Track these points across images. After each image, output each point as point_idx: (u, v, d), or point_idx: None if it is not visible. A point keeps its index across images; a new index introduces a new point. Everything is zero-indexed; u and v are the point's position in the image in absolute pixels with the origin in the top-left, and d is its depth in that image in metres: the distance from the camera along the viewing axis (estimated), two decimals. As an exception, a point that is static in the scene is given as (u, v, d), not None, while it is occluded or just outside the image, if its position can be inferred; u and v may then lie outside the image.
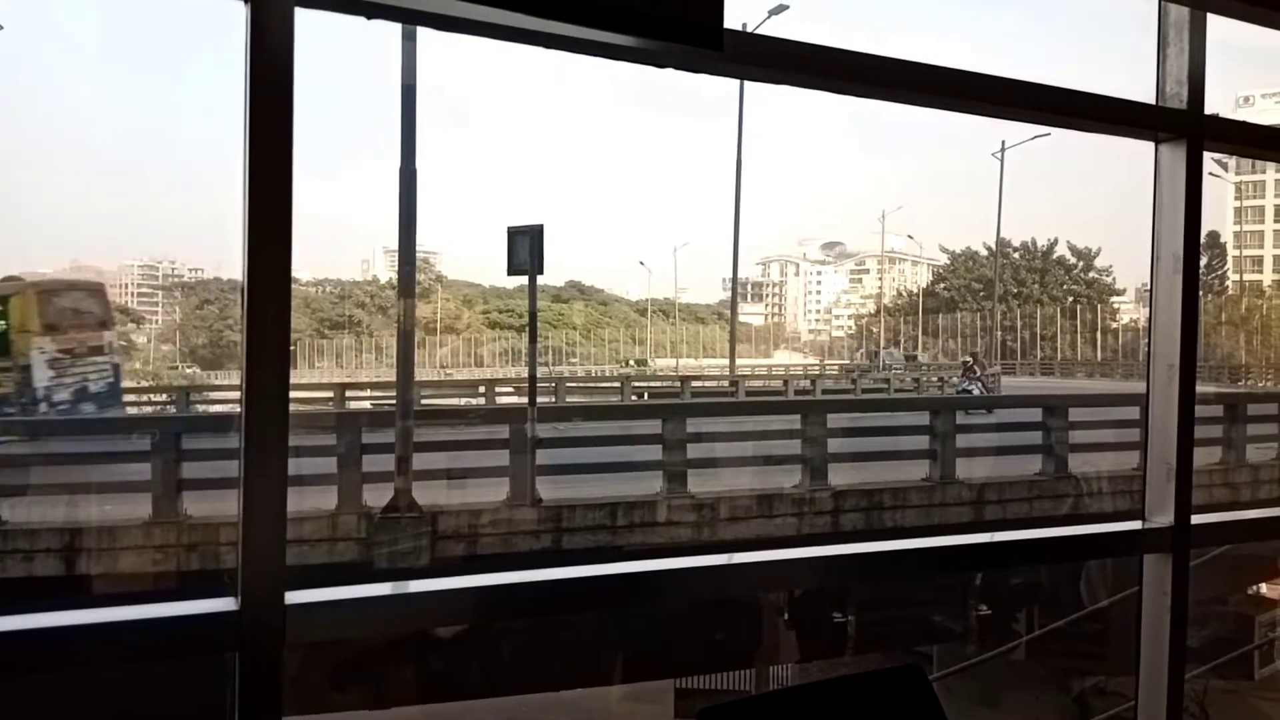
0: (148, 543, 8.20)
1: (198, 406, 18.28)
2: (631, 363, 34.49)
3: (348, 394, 17.65)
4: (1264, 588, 11.33)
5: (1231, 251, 40.47)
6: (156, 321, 35.34)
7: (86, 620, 1.43)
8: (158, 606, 1.48)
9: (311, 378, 30.39)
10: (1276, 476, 12.85)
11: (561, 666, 8.60)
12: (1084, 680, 8.51)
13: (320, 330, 35.80)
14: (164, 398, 21.52)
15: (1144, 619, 2.36)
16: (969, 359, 24.25)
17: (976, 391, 20.84)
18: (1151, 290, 2.44)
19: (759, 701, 1.55)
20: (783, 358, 40.72)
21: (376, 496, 8.86)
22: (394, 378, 11.29)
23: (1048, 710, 8.55)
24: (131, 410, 17.73)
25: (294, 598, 1.46)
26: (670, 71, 1.79)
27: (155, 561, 8.09)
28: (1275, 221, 41.45)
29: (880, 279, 46.17)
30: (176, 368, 30.84)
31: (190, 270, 35.65)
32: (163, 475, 8.58)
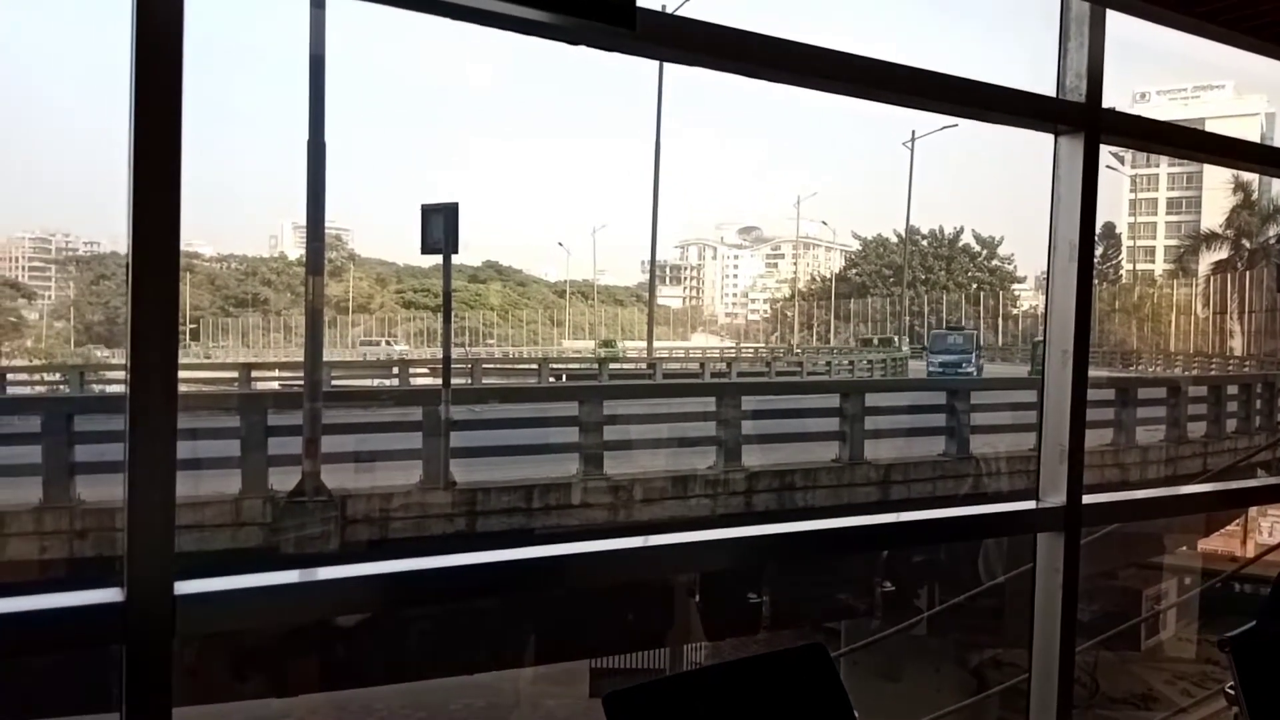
0: (38, 529, 7.81)
1: (94, 387, 17.46)
2: (599, 347, 34.14)
3: (254, 374, 17.09)
4: (1149, 563, 11.95)
5: (1126, 242, 42.44)
6: (50, 297, 33.60)
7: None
8: (38, 598, 1.41)
9: (216, 357, 29.38)
10: (1164, 457, 13.56)
11: (473, 650, 8.54)
12: (981, 653, 8.86)
13: (225, 308, 34.56)
14: (57, 377, 20.51)
15: (1037, 594, 2.46)
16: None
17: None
18: (1048, 278, 2.53)
19: (665, 684, 1.56)
20: (700, 340, 41.09)
21: (283, 480, 8.62)
22: (303, 358, 10.97)
23: (947, 682, 8.87)
24: (22, 390, 16.85)
25: (184, 588, 1.40)
26: (591, 50, 1.77)
27: (45, 549, 7.72)
28: (1167, 214, 43.57)
29: (795, 264, 46.94)
30: (72, 345, 29.44)
31: (86, 244, 33.97)
32: (53, 458, 8.17)
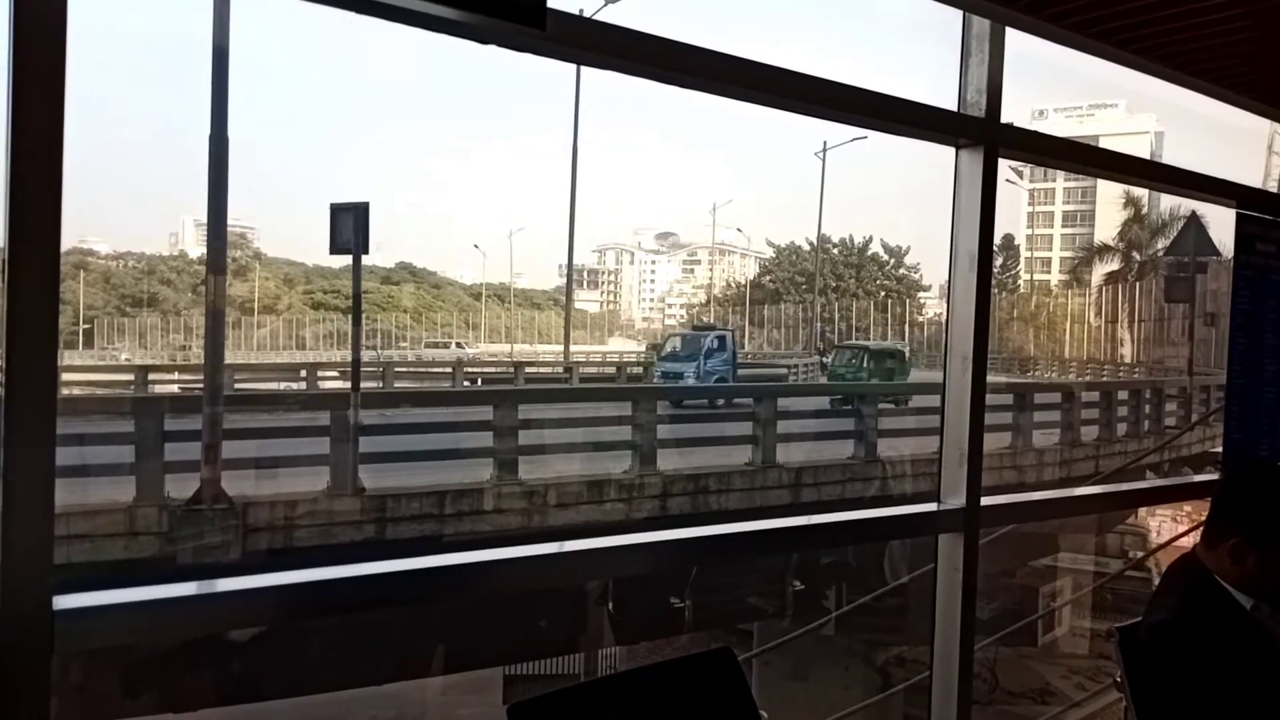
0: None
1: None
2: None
3: (150, 377, 16.41)
4: (1045, 562, 12.45)
5: (1024, 253, 44.25)
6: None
7: None
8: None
9: (112, 359, 28.10)
10: (1058, 460, 14.16)
11: (380, 660, 8.35)
12: (887, 651, 9.09)
13: (121, 308, 33.11)
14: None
15: (938, 593, 2.53)
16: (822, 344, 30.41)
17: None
18: (949, 286, 2.60)
19: (571, 693, 1.54)
20: (617, 344, 41.18)
21: (181, 488, 8.28)
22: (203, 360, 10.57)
23: (854, 680, 9.07)
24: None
25: (64, 602, 1.33)
26: (507, 53, 1.74)
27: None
28: (1063, 226, 45.59)
29: (711, 270, 47.49)
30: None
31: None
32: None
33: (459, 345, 32.71)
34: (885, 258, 41.31)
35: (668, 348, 22.54)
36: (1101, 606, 11.15)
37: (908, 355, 25.96)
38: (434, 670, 9.27)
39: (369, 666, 8.42)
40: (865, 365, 22.60)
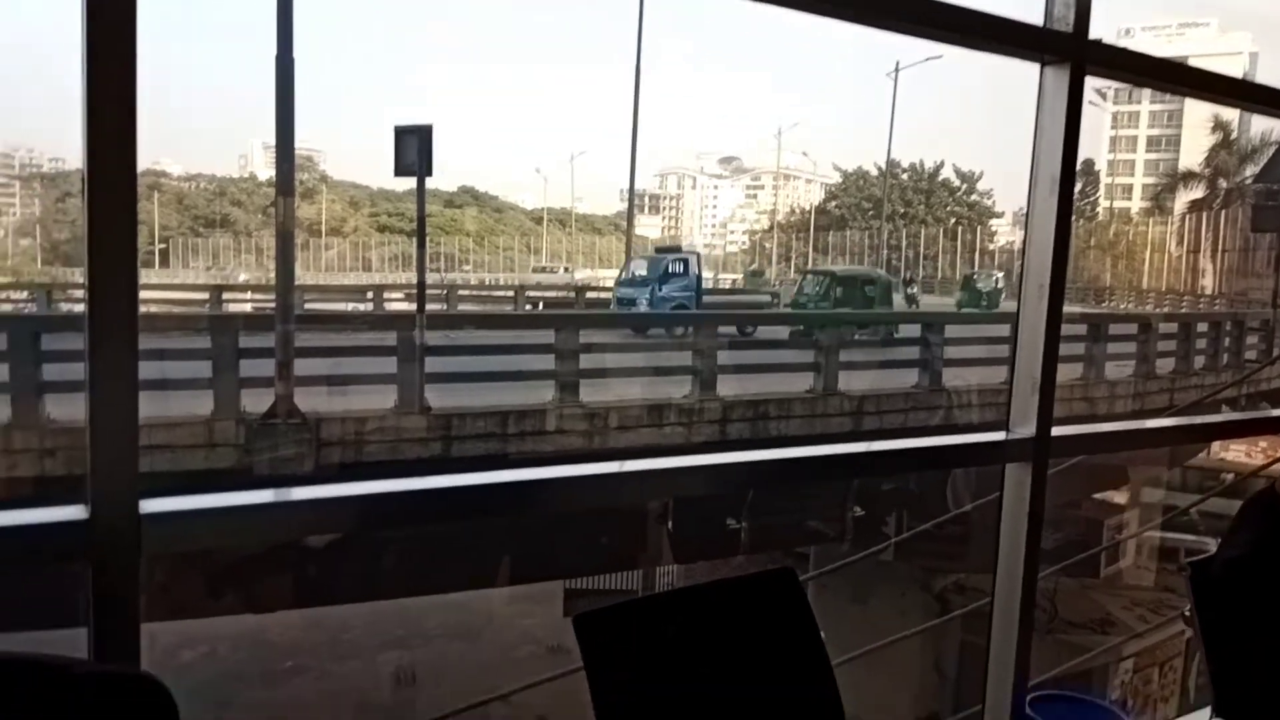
0: (6, 447, 7.74)
1: (62, 306, 17.14)
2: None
3: (225, 296, 16.87)
4: (1112, 495, 12.24)
5: (1105, 179, 42.45)
6: (14, 214, 32.76)
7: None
8: (0, 514, 1.39)
9: (186, 278, 28.92)
10: (1131, 392, 13.79)
11: (448, 570, 8.65)
12: (946, 578, 9.10)
13: (195, 229, 33.91)
14: (24, 295, 20.13)
15: (1003, 523, 2.49)
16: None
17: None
18: (1028, 211, 2.50)
19: (635, 605, 1.57)
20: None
21: (256, 403, 8.57)
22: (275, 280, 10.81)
23: (912, 606, 9.13)
24: (-13, 309, 16.52)
25: (150, 506, 1.38)
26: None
27: (13, 466, 7.66)
28: (1147, 151, 43.54)
29: (775, 195, 46.60)
30: (38, 264, 28.82)
31: (50, 161, 33.01)
32: (21, 377, 8.06)
33: (566, 270, 32.50)
34: (957, 183, 40.01)
35: (626, 272, 20.68)
36: (1169, 542, 10.96)
37: (892, 283, 23.63)
38: (499, 582, 9.58)
39: (437, 576, 8.74)
40: (832, 293, 20.07)
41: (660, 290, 18.10)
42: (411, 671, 8.94)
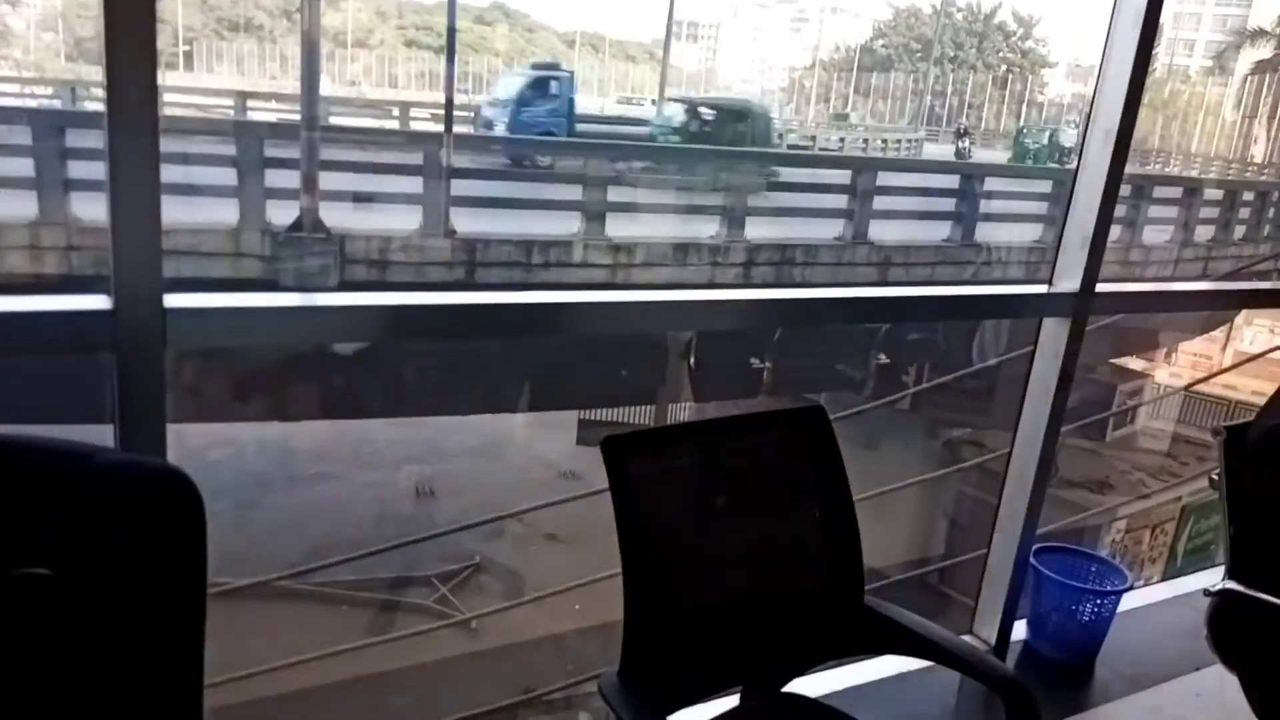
0: (34, 243, 7.77)
1: (86, 104, 16.80)
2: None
3: (249, 104, 16.45)
4: (1132, 361, 12.20)
5: (1167, 33, 40.00)
6: (37, 8, 31.69)
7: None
8: (28, 299, 1.37)
9: (210, 83, 28.23)
10: (1167, 258, 13.49)
11: (467, 393, 8.82)
12: (961, 431, 9.21)
13: (219, 31, 32.84)
14: (49, 92, 19.73)
15: (1031, 378, 2.46)
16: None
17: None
18: (1105, 47, 2.32)
19: (665, 432, 1.56)
20: (711, 105, 39.56)
21: (281, 215, 8.51)
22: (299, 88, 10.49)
23: (924, 455, 9.30)
24: (11, 102, 16.25)
25: (174, 301, 1.36)
26: None
27: (40, 261, 7.71)
28: (1216, 5, 40.79)
29: (820, 30, 44.38)
30: (62, 60, 28.11)
31: (73, -51, 31.59)
32: (47, 173, 7.99)
33: (653, 103, 31.02)
34: (1013, 28, 37.83)
35: (492, 93, 18.10)
36: (1185, 412, 11.01)
37: (771, 120, 19.61)
38: (517, 408, 9.79)
39: (458, 398, 8.93)
40: (688, 127, 17.12)
41: (521, 114, 15.71)
42: (430, 486, 9.28)
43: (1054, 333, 2.40)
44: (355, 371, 7.91)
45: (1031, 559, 2.53)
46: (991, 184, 13.05)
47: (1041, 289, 2.38)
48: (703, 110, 18.04)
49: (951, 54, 36.67)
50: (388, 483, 9.29)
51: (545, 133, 15.39)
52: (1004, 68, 36.58)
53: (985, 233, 12.08)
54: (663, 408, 10.81)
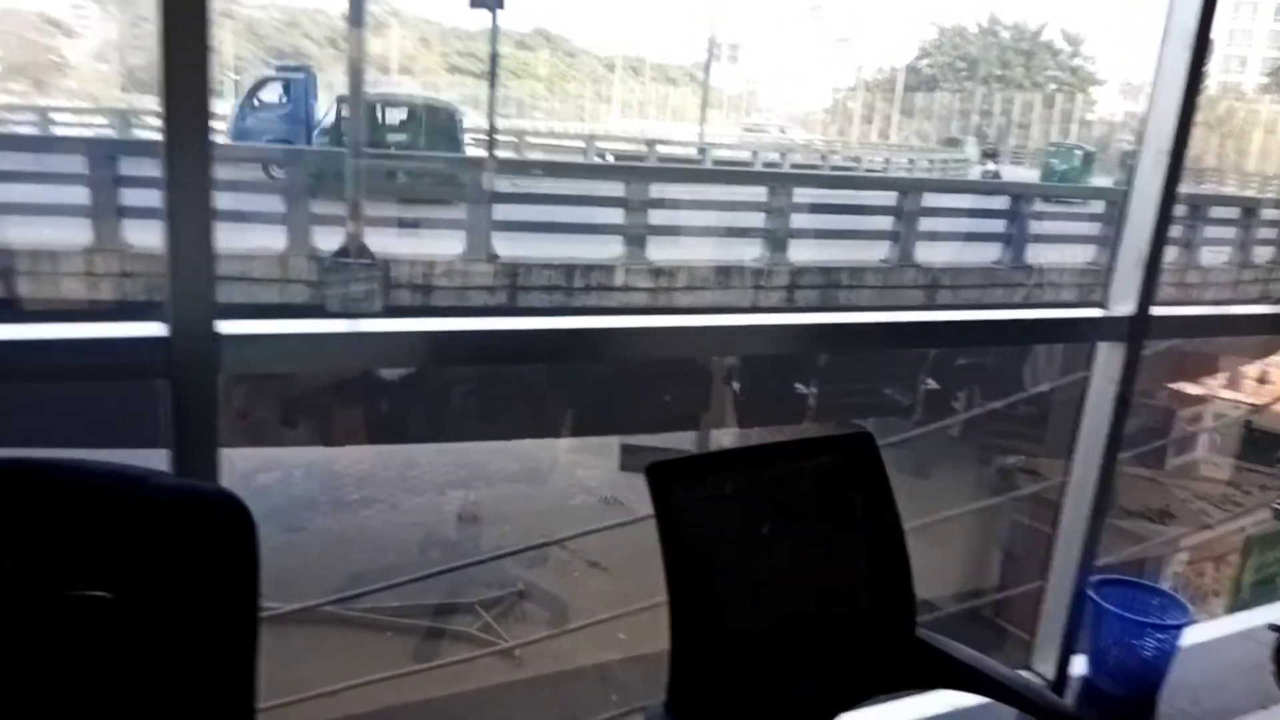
0: (89, 270, 7.99)
1: (137, 132, 17.25)
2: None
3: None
4: (1192, 386, 11.87)
5: (1222, 48, 39.25)
6: (91, 38, 32.77)
7: (12, 336, 1.35)
8: (85, 326, 1.41)
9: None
10: (1225, 280, 13.16)
11: (510, 418, 8.86)
12: (1014, 458, 9.01)
13: (267, 60, 33.68)
14: (103, 121, 20.35)
15: (1087, 404, 2.40)
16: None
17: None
18: (1157, 68, 2.28)
19: (711, 458, 1.54)
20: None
21: (327, 241, 8.67)
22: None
23: (974, 483, 9.11)
24: (67, 131, 16.75)
25: (227, 327, 1.38)
26: None
27: (95, 288, 7.92)
28: (1274, 20, 39.99)
29: (863, 51, 44.28)
30: (117, 90, 28.97)
31: (126, -21, 32.67)
32: (101, 201, 8.23)
33: (781, 130, 29.87)
34: (1061, 45, 37.39)
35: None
36: (1247, 440, 10.68)
37: (459, 120, 16.03)
38: (559, 432, 9.81)
39: (501, 423, 8.97)
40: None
41: (245, 120, 13.94)
42: (473, 511, 9.32)
43: (1109, 358, 2.35)
44: (400, 396, 8.00)
45: (1090, 591, 2.46)
46: (1042, 204, 12.88)
47: (1096, 313, 2.33)
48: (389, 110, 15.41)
49: (998, 73, 36.36)
50: (431, 507, 9.34)
51: (281, 140, 13.33)
52: (1052, 86, 36.16)
53: (1036, 254, 11.90)
54: (706, 433, 10.75)
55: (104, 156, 8.62)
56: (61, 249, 8.05)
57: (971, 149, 28.03)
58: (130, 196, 8.20)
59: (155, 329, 1.37)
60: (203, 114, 1.32)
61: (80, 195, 8.32)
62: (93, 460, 1.13)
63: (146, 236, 7.85)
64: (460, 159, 13.41)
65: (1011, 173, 25.06)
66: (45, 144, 12.58)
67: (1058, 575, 2.46)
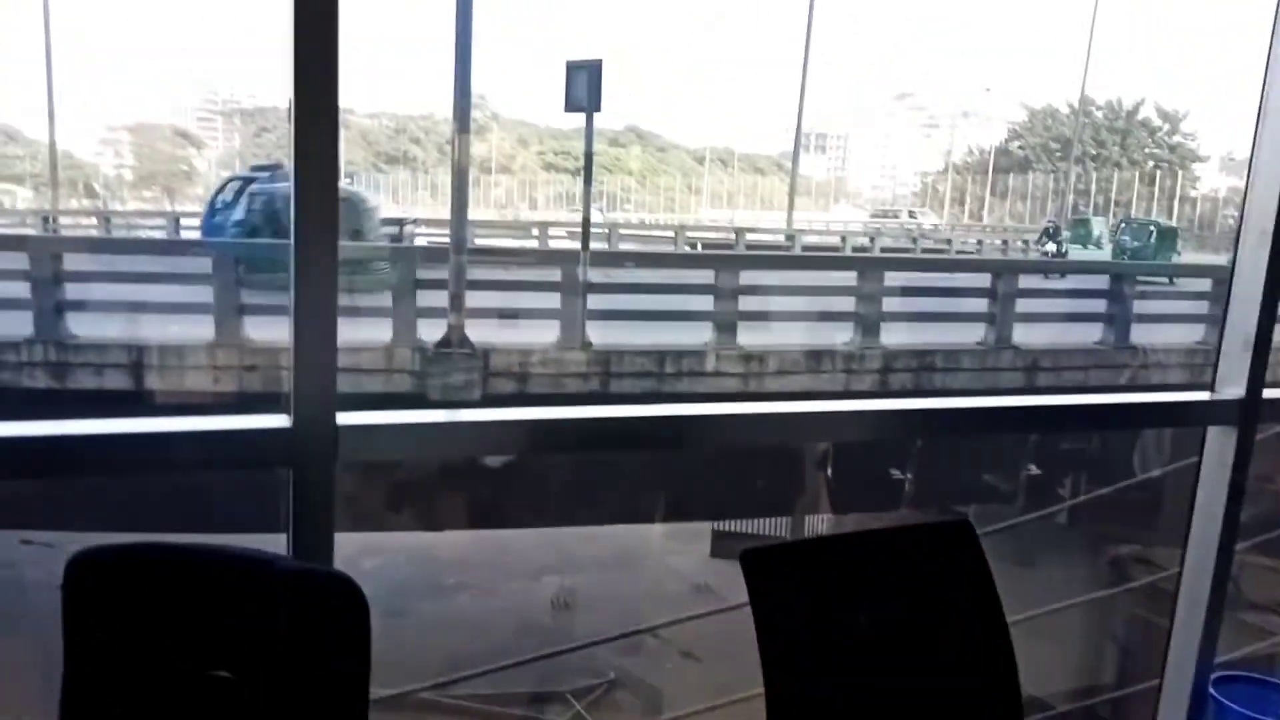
0: (211, 363, 8.48)
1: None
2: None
3: (403, 229, 17.60)
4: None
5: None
6: (217, 147, 35.27)
7: (145, 429, 1.46)
8: (214, 419, 1.52)
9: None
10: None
11: (603, 503, 8.89)
12: (1125, 547, 8.55)
13: (376, 164, 35.59)
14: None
15: (1200, 492, 2.32)
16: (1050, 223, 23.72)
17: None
18: (1254, 146, 2.25)
19: (804, 546, 1.55)
20: (842, 213, 39.66)
21: (430, 332, 9.01)
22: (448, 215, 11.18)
23: (1084, 574, 8.66)
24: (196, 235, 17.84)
25: (345, 419, 1.48)
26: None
27: (218, 380, 8.38)
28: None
29: (951, 134, 44.22)
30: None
31: (248, 96, 35.25)
32: (224, 299, 8.77)
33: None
34: (1158, 123, 36.62)
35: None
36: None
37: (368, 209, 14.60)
38: (650, 518, 9.77)
39: (593, 509, 9.01)
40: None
41: (213, 218, 13.36)
42: (565, 598, 9.30)
43: (1220, 442, 2.27)
44: (498, 482, 8.13)
45: (1211, 689, 2.32)
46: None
47: (1204, 395, 2.27)
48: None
49: (1093, 152, 35.74)
50: (524, 593, 9.36)
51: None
52: (1150, 163, 35.30)
53: (1140, 334, 11.49)
54: (799, 519, 10.56)
55: (228, 259, 9.21)
56: (188, 344, 8.58)
57: (1100, 225, 26.73)
58: (250, 296, 8.72)
59: (279, 420, 1.47)
60: (331, 221, 1.44)
61: (205, 294, 8.89)
62: (221, 545, 1.21)
63: (265, 333, 8.31)
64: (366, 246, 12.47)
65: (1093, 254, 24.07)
66: (175, 247, 13.44)
67: (1174, 672, 2.34)
